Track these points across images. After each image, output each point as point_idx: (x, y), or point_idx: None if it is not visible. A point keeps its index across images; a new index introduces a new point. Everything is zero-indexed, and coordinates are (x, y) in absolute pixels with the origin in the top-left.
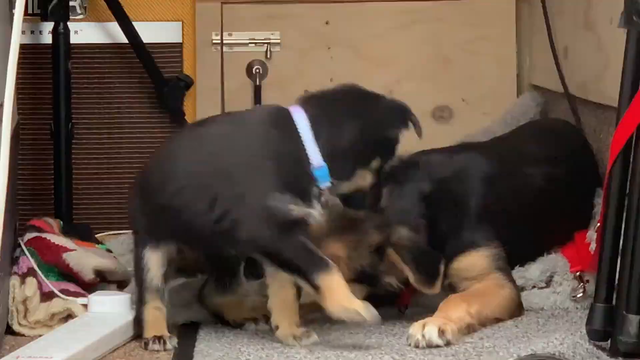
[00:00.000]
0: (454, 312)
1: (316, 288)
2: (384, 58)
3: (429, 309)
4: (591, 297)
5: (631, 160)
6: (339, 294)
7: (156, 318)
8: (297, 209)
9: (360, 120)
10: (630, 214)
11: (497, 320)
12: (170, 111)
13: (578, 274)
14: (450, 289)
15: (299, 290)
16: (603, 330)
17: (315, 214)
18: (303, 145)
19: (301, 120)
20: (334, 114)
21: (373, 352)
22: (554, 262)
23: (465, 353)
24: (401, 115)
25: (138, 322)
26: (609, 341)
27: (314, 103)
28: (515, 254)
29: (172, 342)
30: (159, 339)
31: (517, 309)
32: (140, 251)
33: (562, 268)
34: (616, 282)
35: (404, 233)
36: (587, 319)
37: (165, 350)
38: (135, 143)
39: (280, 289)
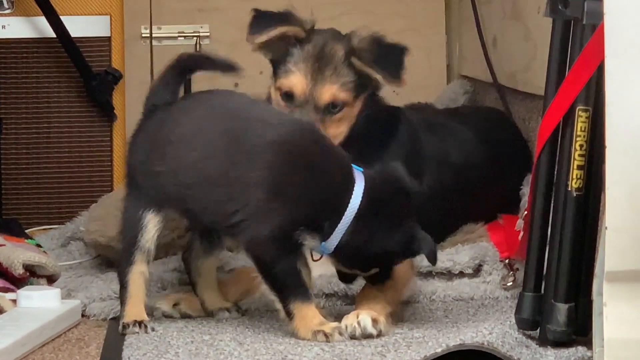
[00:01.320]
0: (375, 304)
1: (289, 313)
2: None
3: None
4: (521, 285)
5: (558, 149)
6: (311, 320)
7: (138, 289)
8: (308, 242)
9: (374, 243)
10: (558, 202)
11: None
12: (99, 105)
13: (507, 261)
14: None
15: None
16: (532, 319)
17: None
18: (346, 206)
19: (353, 204)
20: (367, 219)
21: (302, 343)
22: (485, 250)
23: (395, 344)
24: (412, 251)
25: (122, 285)
26: (538, 330)
27: (372, 197)
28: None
29: (150, 327)
30: (139, 323)
31: (413, 277)
32: (139, 211)
33: (492, 257)
34: (544, 271)
35: (363, 35)
36: (516, 308)
37: (146, 332)
38: (64, 137)
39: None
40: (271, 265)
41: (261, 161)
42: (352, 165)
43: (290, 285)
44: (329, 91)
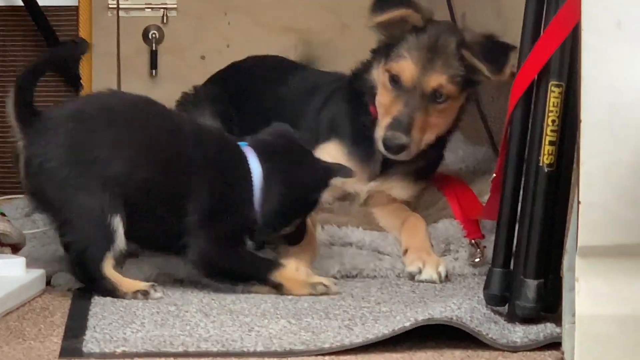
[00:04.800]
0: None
1: (276, 286)
2: (282, 24)
3: None
4: (489, 262)
5: (529, 124)
6: (299, 278)
7: None
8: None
9: (290, 191)
10: (529, 178)
11: None
12: (65, 75)
13: (474, 241)
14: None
15: None
16: (501, 295)
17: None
18: (252, 197)
19: (256, 176)
20: (274, 177)
21: (269, 315)
22: (450, 230)
23: (362, 317)
24: (325, 179)
25: None
26: (507, 306)
27: (268, 157)
28: None
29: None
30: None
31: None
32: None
33: (458, 236)
34: (514, 247)
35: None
36: (485, 283)
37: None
38: None
39: None
40: (225, 261)
41: None
42: (240, 144)
43: (255, 265)
44: (437, 80)
